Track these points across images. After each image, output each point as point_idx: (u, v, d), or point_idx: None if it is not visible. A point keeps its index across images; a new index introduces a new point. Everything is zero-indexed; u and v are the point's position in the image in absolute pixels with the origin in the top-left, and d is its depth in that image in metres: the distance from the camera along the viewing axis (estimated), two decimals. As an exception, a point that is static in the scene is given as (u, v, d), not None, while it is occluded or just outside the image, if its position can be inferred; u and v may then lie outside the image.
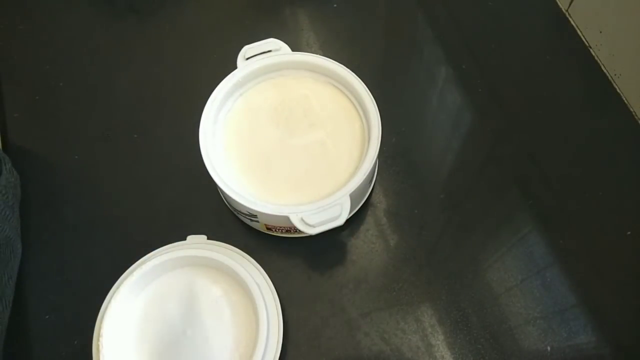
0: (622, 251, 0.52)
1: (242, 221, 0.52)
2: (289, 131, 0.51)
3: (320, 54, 0.53)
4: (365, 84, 0.51)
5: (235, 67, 0.52)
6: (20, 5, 0.68)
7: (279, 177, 0.49)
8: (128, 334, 0.45)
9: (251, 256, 0.48)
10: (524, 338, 0.48)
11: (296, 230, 0.46)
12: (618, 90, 0.60)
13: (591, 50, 0.63)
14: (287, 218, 0.45)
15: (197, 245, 0.48)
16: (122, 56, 0.64)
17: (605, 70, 0.61)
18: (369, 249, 0.52)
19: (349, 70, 0.51)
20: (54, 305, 0.50)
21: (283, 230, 0.50)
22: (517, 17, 0.67)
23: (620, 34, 0.59)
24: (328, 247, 0.52)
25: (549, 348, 0.47)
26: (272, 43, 0.53)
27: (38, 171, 0.56)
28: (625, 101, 0.59)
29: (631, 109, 0.59)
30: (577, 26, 0.64)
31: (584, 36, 0.64)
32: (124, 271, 0.47)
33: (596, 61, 0.62)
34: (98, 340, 0.43)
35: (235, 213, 0.52)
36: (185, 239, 0.49)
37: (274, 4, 0.68)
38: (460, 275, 0.50)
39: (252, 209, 0.46)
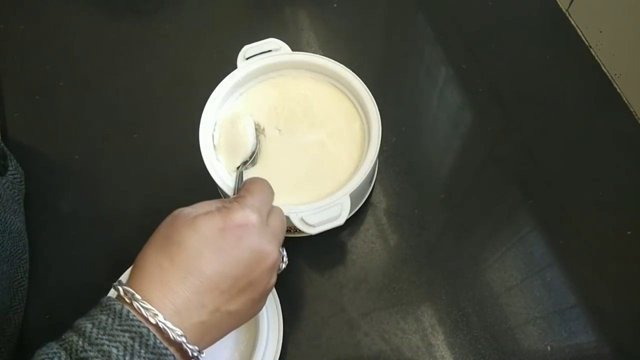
0: (622, 251, 0.52)
1: (242, 221, 0.52)
2: (289, 131, 0.51)
3: (320, 54, 0.53)
4: (365, 84, 0.50)
5: (235, 67, 0.52)
6: (20, 5, 0.68)
7: (279, 177, 0.49)
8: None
9: (251, 256, 0.48)
10: (524, 338, 0.48)
11: (296, 230, 0.45)
12: (618, 90, 0.60)
13: (591, 49, 0.63)
14: (287, 218, 0.45)
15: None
16: (122, 56, 0.64)
17: (605, 70, 0.61)
18: (369, 249, 0.52)
19: (349, 70, 0.51)
20: (54, 305, 0.50)
21: (283, 230, 0.50)
22: (517, 17, 0.67)
23: (620, 34, 0.59)
24: (328, 247, 0.52)
25: (549, 348, 0.47)
26: (272, 43, 0.53)
27: (38, 171, 0.56)
28: (626, 101, 0.59)
29: (631, 109, 0.59)
30: (577, 26, 0.64)
31: (584, 36, 0.64)
32: (124, 271, 0.47)
33: (596, 61, 0.62)
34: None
35: (235, 213, 0.52)
36: (185, 239, 0.49)
37: (274, 4, 0.68)
38: (461, 275, 0.50)
39: (252, 209, 0.46)
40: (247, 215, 0.34)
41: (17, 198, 0.51)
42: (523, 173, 0.56)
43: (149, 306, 0.30)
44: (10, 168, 0.51)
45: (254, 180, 0.39)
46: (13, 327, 0.46)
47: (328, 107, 0.52)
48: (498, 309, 0.49)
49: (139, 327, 0.29)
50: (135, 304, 0.30)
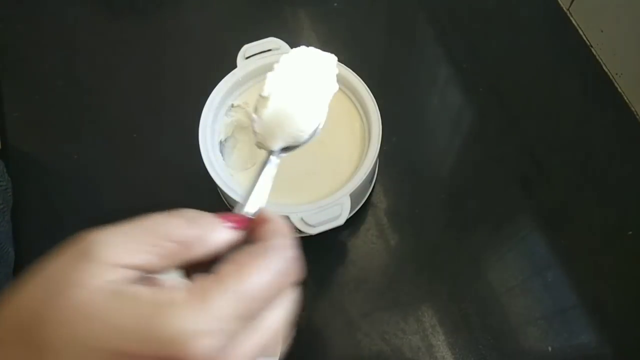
0: (622, 251, 0.51)
1: (242, 221, 0.52)
2: (289, 131, 0.51)
3: (320, 54, 0.53)
4: (365, 83, 0.50)
5: (235, 66, 0.52)
6: (20, 5, 0.68)
7: (279, 176, 0.49)
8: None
9: (251, 256, 0.48)
10: (525, 338, 0.48)
11: (296, 230, 0.45)
12: (619, 90, 0.60)
13: (592, 49, 0.63)
14: (287, 218, 0.45)
15: (197, 246, 0.47)
16: (122, 56, 0.64)
17: (606, 69, 0.61)
18: (369, 249, 0.52)
19: (349, 69, 0.51)
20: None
21: (283, 230, 0.50)
22: (518, 17, 0.67)
23: (621, 33, 0.58)
24: (328, 247, 0.52)
25: (550, 348, 0.47)
26: (272, 42, 0.53)
27: (38, 171, 0.56)
28: (626, 100, 0.59)
29: (632, 108, 0.59)
30: (578, 25, 0.64)
31: (585, 35, 0.64)
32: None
33: (597, 60, 0.62)
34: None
35: (235, 213, 0.52)
36: (185, 239, 0.49)
37: (274, 4, 0.68)
38: (461, 275, 0.50)
39: (252, 209, 0.46)
40: (187, 340, 0.19)
41: (1, 207, 0.49)
42: (524, 173, 0.56)
43: None
44: None
45: (273, 246, 0.22)
46: None
47: (328, 107, 0.52)
48: (499, 309, 0.49)
49: None
50: None
